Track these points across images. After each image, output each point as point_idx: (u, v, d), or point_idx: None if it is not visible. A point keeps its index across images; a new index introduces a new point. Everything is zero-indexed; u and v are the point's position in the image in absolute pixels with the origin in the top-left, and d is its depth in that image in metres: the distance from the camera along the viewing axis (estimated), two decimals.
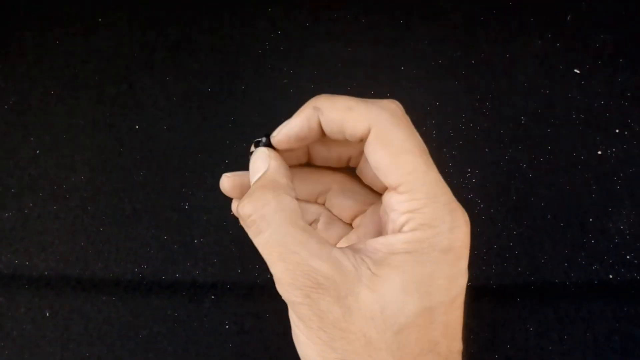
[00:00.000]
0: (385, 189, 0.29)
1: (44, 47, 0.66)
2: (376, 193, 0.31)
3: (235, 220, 0.55)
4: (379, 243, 0.25)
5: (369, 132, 0.25)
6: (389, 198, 0.26)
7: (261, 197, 0.25)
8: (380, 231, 0.29)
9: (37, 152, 0.59)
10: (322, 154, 0.31)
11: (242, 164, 0.58)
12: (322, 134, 0.27)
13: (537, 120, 0.59)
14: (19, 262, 0.54)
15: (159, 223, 0.55)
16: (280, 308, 0.50)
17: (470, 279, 0.46)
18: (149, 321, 0.50)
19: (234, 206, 0.30)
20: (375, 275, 0.23)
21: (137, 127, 0.60)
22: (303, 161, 0.31)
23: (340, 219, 0.33)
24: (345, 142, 0.28)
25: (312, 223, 0.33)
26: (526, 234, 0.54)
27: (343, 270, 0.24)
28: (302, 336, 0.24)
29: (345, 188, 0.32)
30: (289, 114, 0.61)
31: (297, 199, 0.28)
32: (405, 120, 0.27)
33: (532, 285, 0.51)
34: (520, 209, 0.55)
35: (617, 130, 0.58)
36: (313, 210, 0.33)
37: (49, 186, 0.58)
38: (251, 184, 0.27)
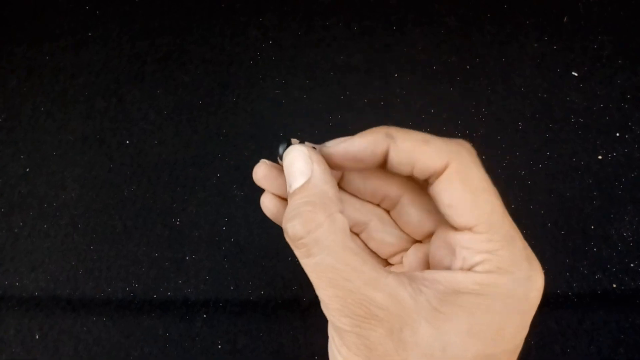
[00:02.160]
0: (427, 235, 0.28)
1: (33, 62, 0.66)
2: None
3: (227, 235, 0.54)
4: (441, 276, 0.23)
5: (444, 168, 0.24)
6: (460, 237, 0.24)
7: (313, 217, 0.23)
8: (441, 265, 0.27)
9: (27, 169, 0.59)
10: (356, 185, 0.29)
11: (235, 177, 0.57)
12: (380, 165, 0.26)
13: (535, 125, 0.57)
14: (9, 283, 0.53)
15: (150, 240, 0.54)
16: (273, 326, 0.49)
17: None
18: (140, 341, 0.49)
19: (266, 201, 0.29)
20: (437, 310, 0.22)
21: (127, 141, 0.59)
22: None
23: (375, 253, 0.31)
24: (385, 180, 0.27)
25: None
26: (526, 243, 0.52)
27: (399, 301, 0.22)
28: (342, 359, 0.24)
29: (385, 224, 0.30)
30: (281, 125, 0.61)
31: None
32: (479, 160, 0.26)
33: None
34: (520, 216, 0.53)
35: (617, 134, 0.56)
36: None
37: (38, 204, 0.57)
38: (290, 187, 0.25)
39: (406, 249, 0.30)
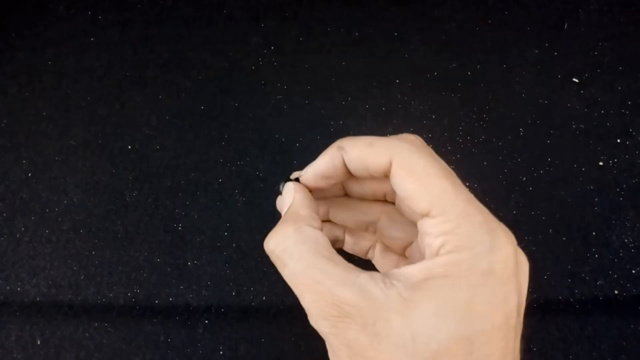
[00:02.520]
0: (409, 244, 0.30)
1: (35, 68, 0.66)
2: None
3: (229, 241, 0.54)
4: (416, 269, 0.24)
5: (390, 165, 0.25)
6: (422, 224, 0.25)
7: (281, 231, 0.26)
8: (418, 259, 0.30)
9: (29, 174, 0.59)
10: (356, 190, 0.33)
11: (236, 183, 0.58)
12: (349, 173, 0.28)
13: (536, 131, 0.58)
14: (10, 288, 0.53)
15: (152, 245, 0.54)
16: (275, 333, 0.49)
17: None
18: (141, 348, 0.49)
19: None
20: (406, 300, 0.23)
21: (129, 147, 0.59)
22: (340, 195, 0.33)
23: (393, 250, 0.33)
24: (372, 178, 0.28)
25: (369, 250, 0.33)
26: (527, 249, 0.52)
27: (370, 297, 0.23)
28: None
29: (393, 219, 0.32)
30: (282, 130, 0.61)
31: (348, 227, 0.30)
32: (426, 148, 0.28)
33: (535, 303, 0.50)
34: (521, 223, 0.54)
35: (618, 140, 0.57)
36: (369, 237, 0.34)
37: (40, 209, 0.57)
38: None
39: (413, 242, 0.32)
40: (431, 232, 0.24)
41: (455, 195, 0.24)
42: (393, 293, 0.23)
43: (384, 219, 0.32)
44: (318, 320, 0.24)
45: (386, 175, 0.26)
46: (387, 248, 0.34)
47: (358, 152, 0.26)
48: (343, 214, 0.33)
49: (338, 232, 0.34)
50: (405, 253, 0.33)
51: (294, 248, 0.25)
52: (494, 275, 0.23)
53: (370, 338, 0.22)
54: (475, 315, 0.22)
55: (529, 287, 0.50)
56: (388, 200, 0.32)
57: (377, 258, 0.34)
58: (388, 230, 0.32)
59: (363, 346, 0.23)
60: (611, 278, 0.50)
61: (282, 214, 0.29)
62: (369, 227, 0.33)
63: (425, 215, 0.25)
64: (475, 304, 0.23)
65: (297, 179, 0.30)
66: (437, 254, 0.24)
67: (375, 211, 0.32)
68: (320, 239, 0.26)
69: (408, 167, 0.25)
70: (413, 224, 0.31)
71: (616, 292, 0.50)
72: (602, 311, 0.49)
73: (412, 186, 0.24)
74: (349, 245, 0.34)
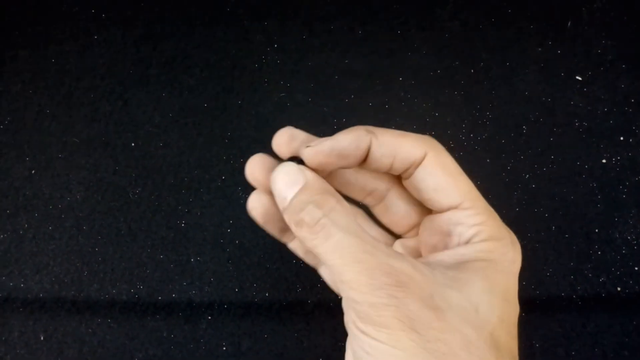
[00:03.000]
0: (410, 228, 0.30)
1: (38, 66, 0.66)
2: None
3: (232, 238, 0.54)
4: (444, 255, 0.25)
5: (423, 157, 0.26)
6: (453, 215, 0.27)
7: (326, 201, 0.25)
8: (438, 248, 0.28)
9: (32, 172, 0.59)
10: (346, 179, 0.31)
11: (239, 180, 0.58)
12: (360, 162, 0.27)
13: (539, 129, 0.58)
14: (14, 285, 0.53)
15: (155, 242, 0.54)
16: (278, 329, 0.49)
17: None
18: (144, 343, 0.49)
19: (256, 200, 0.29)
20: (455, 278, 0.23)
21: (132, 144, 0.60)
22: None
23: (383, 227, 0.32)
24: (372, 175, 0.28)
25: None
26: (530, 246, 0.52)
27: (421, 271, 0.23)
28: (381, 346, 0.22)
29: (369, 220, 0.32)
30: (285, 127, 0.61)
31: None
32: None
33: (537, 300, 0.50)
34: (524, 220, 0.54)
35: (621, 138, 0.57)
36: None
37: (44, 206, 0.57)
38: (284, 199, 0.26)
39: (418, 225, 0.32)
40: (464, 222, 0.26)
41: (479, 194, 0.27)
42: (437, 272, 0.23)
43: (361, 218, 0.32)
44: (371, 290, 0.22)
45: (408, 168, 0.27)
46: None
47: (391, 138, 0.27)
48: (350, 179, 0.31)
49: None
50: (403, 234, 0.32)
51: (342, 218, 0.24)
52: (515, 265, 0.25)
53: (433, 310, 0.22)
54: (510, 299, 0.24)
55: (532, 283, 0.51)
56: (368, 202, 0.32)
57: None
58: (401, 203, 0.31)
59: (427, 318, 0.22)
60: (613, 275, 0.50)
61: (287, 192, 0.26)
62: (371, 194, 0.32)
63: (454, 207, 0.26)
64: (510, 287, 0.25)
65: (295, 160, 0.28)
66: (468, 242, 0.25)
67: (386, 181, 0.31)
68: (359, 213, 0.26)
69: (442, 162, 0.27)
70: (419, 206, 0.31)
71: (619, 288, 0.50)
72: (604, 308, 0.49)
73: (446, 179, 0.26)
74: None
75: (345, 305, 0.26)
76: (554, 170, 0.55)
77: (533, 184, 0.55)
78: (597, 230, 0.52)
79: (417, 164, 0.27)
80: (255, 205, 0.28)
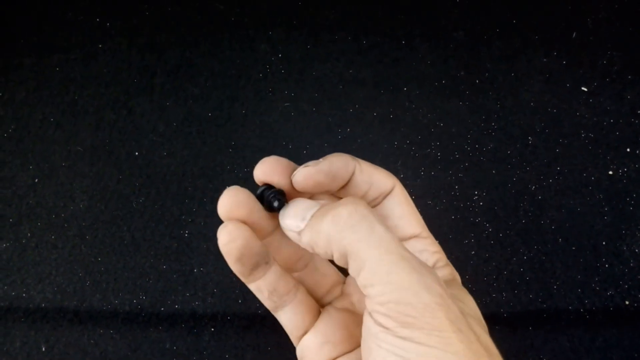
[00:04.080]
0: (336, 284, 0.32)
1: (43, 74, 0.66)
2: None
3: None
4: None
5: (392, 189, 0.29)
6: (415, 243, 0.29)
7: (359, 201, 0.25)
8: None
9: (36, 180, 0.59)
10: (281, 245, 0.31)
11: None
12: (343, 185, 0.29)
13: (545, 140, 0.57)
14: (16, 294, 0.53)
15: (158, 252, 0.53)
16: (281, 340, 0.48)
17: (479, 307, 0.45)
18: (147, 355, 0.49)
19: (234, 232, 0.26)
20: (452, 294, 0.25)
21: (136, 153, 0.59)
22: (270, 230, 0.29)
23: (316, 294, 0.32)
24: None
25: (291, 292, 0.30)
26: (537, 259, 0.52)
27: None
28: (431, 351, 0.21)
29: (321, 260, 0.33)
30: (290, 137, 0.61)
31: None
32: None
33: (545, 313, 0.49)
34: (530, 232, 0.53)
35: (628, 149, 0.56)
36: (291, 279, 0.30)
37: (47, 215, 0.56)
38: (300, 219, 0.26)
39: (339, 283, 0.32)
40: (427, 249, 0.29)
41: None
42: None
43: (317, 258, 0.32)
44: (424, 289, 0.21)
45: (377, 197, 0.29)
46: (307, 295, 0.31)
47: (369, 168, 0.28)
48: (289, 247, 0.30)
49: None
50: (325, 299, 0.31)
51: (376, 216, 0.24)
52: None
53: (463, 314, 0.23)
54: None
55: (539, 297, 0.50)
56: (295, 268, 0.32)
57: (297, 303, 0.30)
58: (325, 265, 0.32)
59: (465, 321, 0.22)
60: (622, 288, 0.50)
61: (306, 214, 0.25)
62: (298, 263, 0.31)
63: (416, 236, 0.29)
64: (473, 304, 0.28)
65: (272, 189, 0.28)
66: (433, 267, 0.28)
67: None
68: None
69: (405, 195, 0.29)
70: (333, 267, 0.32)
71: (627, 302, 0.49)
72: (613, 322, 0.48)
73: (409, 210, 0.29)
74: (270, 278, 0.29)
75: (376, 312, 0.24)
76: (561, 182, 0.55)
77: (539, 195, 0.54)
78: (604, 243, 0.52)
79: (386, 194, 0.29)
80: (235, 237, 0.26)
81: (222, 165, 0.58)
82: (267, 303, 0.29)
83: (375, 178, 0.28)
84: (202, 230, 0.54)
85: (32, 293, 0.53)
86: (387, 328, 0.22)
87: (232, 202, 0.26)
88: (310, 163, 0.28)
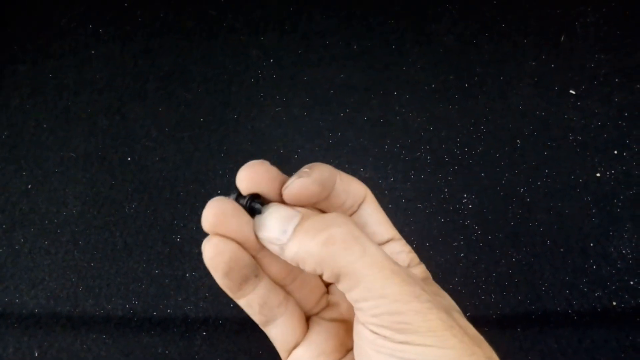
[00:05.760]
0: (322, 295, 0.31)
1: (37, 81, 0.66)
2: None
3: None
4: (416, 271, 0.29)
5: (365, 197, 0.29)
6: (393, 245, 0.29)
7: (350, 221, 0.25)
8: None
9: (29, 186, 0.59)
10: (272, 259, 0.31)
11: None
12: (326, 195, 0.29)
13: (534, 143, 0.58)
14: (9, 300, 0.53)
15: (150, 257, 0.54)
16: (273, 345, 0.48)
17: (469, 309, 0.45)
18: (139, 359, 0.49)
19: (220, 246, 0.25)
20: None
21: (129, 158, 0.60)
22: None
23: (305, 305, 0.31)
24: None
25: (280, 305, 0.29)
26: (526, 261, 0.52)
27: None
28: (430, 351, 0.23)
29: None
30: (281, 142, 0.61)
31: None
32: None
33: (533, 315, 0.50)
34: (519, 234, 0.54)
35: (615, 152, 0.57)
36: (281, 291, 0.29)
37: (40, 221, 0.57)
38: (280, 233, 0.24)
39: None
40: (402, 250, 0.29)
41: None
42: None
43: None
44: (415, 298, 0.23)
45: (352, 205, 0.29)
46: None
47: (347, 177, 0.28)
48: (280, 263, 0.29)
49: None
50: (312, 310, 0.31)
51: (367, 237, 0.25)
52: None
53: (446, 310, 0.24)
54: None
55: (528, 299, 0.51)
56: (284, 282, 0.30)
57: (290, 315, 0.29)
58: (310, 277, 0.30)
59: (450, 316, 0.24)
60: (609, 289, 0.50)
61: (287, 226, 0.25)
62: (288, 277, 0.29)
63: (390, 239, 0.29)
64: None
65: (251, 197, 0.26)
66: (408, 266, 0.29)
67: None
68: None
69: (376, 201, 0.30)
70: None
71: (614, 303, 0.50)
72: (600, 323, 0.49)
73: (383, 215, 0.30)
74: (262, 292, 0.28)
75: (370, 323, 0.24)
76: (549, 184, 0.56)
77: (528, 197, 0.55)
78: (592, 245, 0.52)
79: (361, 202, 0.29)
80: (222, 250, 0.25)
81: (214, 170, 0.58)
82: (257, 318, 0.28)
83: (352, 187, 0.28)
84: (195, 235, 0.55)
85: (26, 299, 0.53)
86: (383, 336, 0.23)
87: (218, 215, 0.25)
88: (302, 173, 0.27)
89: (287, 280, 0.29)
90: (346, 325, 0.30)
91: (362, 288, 0.23)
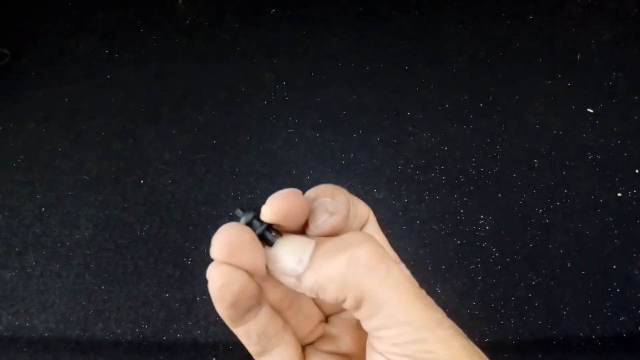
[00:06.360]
0: (319, 322, 0.28)
1: (52, 105, 0.67)
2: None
3: None
4: None
5: (368, 217, 0.27)
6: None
7: (370, 237, 0.23)
8: None
9: (42, 209, 0.59)
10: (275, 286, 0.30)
11: None
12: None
13: (551, 163, 0.57)
14: (19, 324, 0.53)
15: (161, 280, 0.53)
16: None
17: (487, 334, 0.43)
18: None
19: (231, 276, 0.23)
20: None
21: (141, 181, 0.60)
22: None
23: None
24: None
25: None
26: (545, 284, 0.50)
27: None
28: None
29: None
30: (293, 163, 0.61)
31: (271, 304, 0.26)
32: None
33: (555, 340, 0.48)
34: (538, 256, 0.52)
35: (637, 170, 0.55)
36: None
37: (52, 244, 0.57)
38: (296, 262, 0.22)
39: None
40: (405, 272, 0.29)
41: None
42: None
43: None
44: (439, 325, 0.22)
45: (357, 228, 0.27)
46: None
47: (355, 200, 0.27)
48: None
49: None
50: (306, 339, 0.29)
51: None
52: None
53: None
54: None
55: (548, 323, 0.49)
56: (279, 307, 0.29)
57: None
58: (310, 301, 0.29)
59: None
60: (635, 314, 0.48)
61: (304, 254, 0.23)
62: (284, 302, 0.28)
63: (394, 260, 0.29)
64: None
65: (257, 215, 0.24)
66: None
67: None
68: None
69: (377, 223, 0.28)
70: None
71: None
72: (625, 349, 0.46)
73: (384, 237, 0.27)
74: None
75: (390, 353, 0.23)
76: (568, 205, 0.54)
77: (547, 219, 0.54)
78: (615, 267, 0.50)
79: (364, 224, 0.27)
80: (231, 281, 0.22)
81: (226, 192, 0.58)
82: (253, 348, 0.26)
83: (359, 209, 0.27)
84: (205, 257, 0.54)
85: (35, 322, 0.52)
86: None
87: (234, 244, 0.22)
88: (329, 207, 0.24)
89: (284, 306, 0.27)
90: (344, 358, 0.28)
91: (386, 313, 0.22)
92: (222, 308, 0.24)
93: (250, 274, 0.23)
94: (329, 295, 0.22)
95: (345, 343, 0.28)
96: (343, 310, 0.29)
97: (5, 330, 0.52)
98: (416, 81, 0.64)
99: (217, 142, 0.62)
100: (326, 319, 0.30)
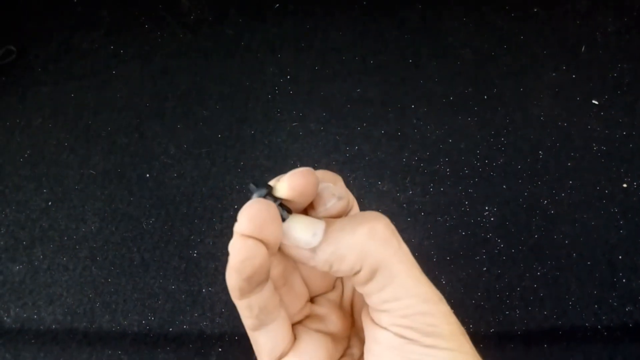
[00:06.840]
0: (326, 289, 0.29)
1: (59, 101, 0.68)
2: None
3: None
4: None
5: (353, 206, 0.27)
6: None
7: (384, 216, 0.25)
8: None
9: (49, 203, 0.60)
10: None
11: None
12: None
13: (556, 154, 0.56)
14: (27, 316, 0.53)
15: (167, 272, 0.53)
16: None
17: (493, 325, 0.43)
18: None
19: (254, 250, 0.23)
20: None
21: (147, 175, 0.60)
22: None
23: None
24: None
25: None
26: (551, 275, 0.50)
27: None
28: (449, 355, 0.23)
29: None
30: (298, 157, 0.61)
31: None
32: None
33: (560, 330, 0.47)
34: (543, 247, 0.52)
35: None
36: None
37: (59, 237, 0.57)
38: (310, 236, 0.24)
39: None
40: None
41: None
42: None
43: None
44: (440, 300, 0.24)
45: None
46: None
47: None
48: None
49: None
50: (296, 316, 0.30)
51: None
52: None
53: None
54: None
55: (554, 313, 0.49)
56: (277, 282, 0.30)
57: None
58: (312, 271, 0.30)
59: None
60: None
61: (318, 229, 0.24)
62: (280, 279, 0.28)
63: None
64: None
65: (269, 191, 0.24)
66: None
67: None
68: None
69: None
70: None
71: None
72: (631, 338, 0.46)
73: None
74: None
75: (397, 325, 0.23)
76: (573, 196, 0.54)
77: (552, 210, 0.53)
78: (620, 257, 0.50)
79: (351, 209, 0.28)
80: (254, 255, 0.23)
81: (231, 185, 0.58)
82: (251, 321, 0.26)
83: (350, 195, 0.29)
84: (211, 250, 0.54)
85: (43, 315, 0.53)
86: (411, 339, 0.23)
87: (264, 219, 0.23)
88: (334, 191, 0.25)
89: (279, 283, 0.28)
90: (333, 338, 0.29)
91: (397, 284, 0.23)
92: (236, 280, 0.24)
93: (268, 249, 0.24)
94: (345, 266, 0.23)
95: (333, 322, 0.28)
96: (329, 290, 0.30)
97: (14, 323, 0.53)
98: (420, 74, 0.64)
99: (221, 136, 0.62)
100: (312, 298, 0.30)
